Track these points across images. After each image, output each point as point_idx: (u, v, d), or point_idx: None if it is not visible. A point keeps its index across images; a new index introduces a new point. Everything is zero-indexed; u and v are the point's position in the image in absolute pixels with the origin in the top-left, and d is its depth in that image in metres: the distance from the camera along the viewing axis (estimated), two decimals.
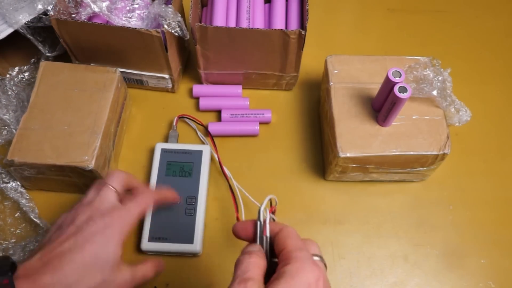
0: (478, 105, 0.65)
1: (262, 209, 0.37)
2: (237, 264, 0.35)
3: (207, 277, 0.56)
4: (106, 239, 0.44)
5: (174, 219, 0.56)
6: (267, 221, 0.37)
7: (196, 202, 0.57)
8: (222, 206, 0.60)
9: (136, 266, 0.47)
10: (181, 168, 0.59)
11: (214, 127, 0.64)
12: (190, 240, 0.55)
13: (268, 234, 0.37)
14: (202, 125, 0.64)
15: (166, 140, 0.64)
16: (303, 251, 0.35)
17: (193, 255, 0.56)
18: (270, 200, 0.39)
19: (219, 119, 0.66)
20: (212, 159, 0.62)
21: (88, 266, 0.42)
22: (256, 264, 0.34)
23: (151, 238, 0.55)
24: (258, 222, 0.37)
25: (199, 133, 0.64)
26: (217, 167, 0.62)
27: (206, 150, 0.60)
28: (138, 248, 0.56)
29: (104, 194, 0.47)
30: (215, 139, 0.63)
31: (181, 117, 0.65)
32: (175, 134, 0.63)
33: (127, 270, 0.46)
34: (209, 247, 0.58)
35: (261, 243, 0.37)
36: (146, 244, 0.55)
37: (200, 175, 0.59)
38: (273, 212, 0.40)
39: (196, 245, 0.55)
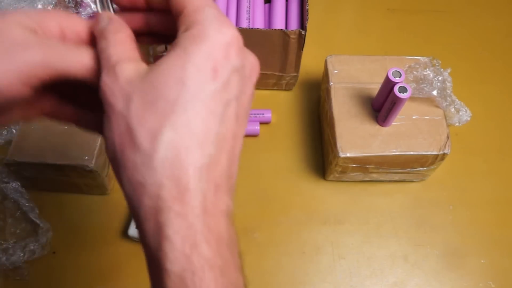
0: (478, 105, 0.65)
1: None
2: (100, 52, 0.26)
3: None
4: None
5: None
6: None
7: None
8: None
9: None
10: None
11: None
12: None
13: None
14: None
15: None
16: (208, 9, 0.25)
17: None
18: None
19: None
20: None
21: None
22: (117, 41, 0.26)
23: None
24: None
25: None
26: None
27: None
28: (125, 234, 0.57)
29: None
30: None
31: None
32: None
33: None
34: None
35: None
36: (133, 231, 0.56)
37: None
38: None
39: None
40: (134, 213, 0.24)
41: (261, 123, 0.65)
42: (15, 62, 0.25)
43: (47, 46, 0.26)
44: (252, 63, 0.27)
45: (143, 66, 0.25)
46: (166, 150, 0.22)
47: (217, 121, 0.24)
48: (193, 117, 0.23)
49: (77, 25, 0.28)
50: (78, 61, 0.26)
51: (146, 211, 0.23)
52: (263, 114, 0.64)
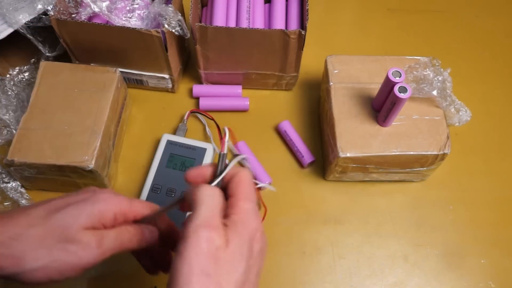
0: (478, 105, 0.65)
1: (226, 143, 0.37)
2: (197, 200, 0.34)
3: None
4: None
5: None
6: (230, 164, 0.37)
7: None
8: None
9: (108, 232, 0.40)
10: (182, 163, 0.59)
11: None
12: None
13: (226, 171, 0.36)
14: (213, 119, 0.64)
15: (173, 133, 0.64)
16: (249, 203, 0.35)
17: None
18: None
19: (219, 119, 0.66)
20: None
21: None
22: (219, 205, 0.35)
23: None
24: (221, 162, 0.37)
25: (207, 129, 0.65)
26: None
27: (210, 149, 0.60)
28: None
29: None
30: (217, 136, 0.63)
31: (193, 112, 0.66)
32: (184, 127, 0.64)
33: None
34: None
35: (216, 184, 0.36)
36: None
37: None
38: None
39: None
40: None
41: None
42: (76, 262, 0.37)
43: (102, 247, 0.38)
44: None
45: None
46: None
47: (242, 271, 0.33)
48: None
49: (125, 209, 0.40)
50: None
51: None
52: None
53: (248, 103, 0.66)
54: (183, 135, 0.63)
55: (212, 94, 0.67)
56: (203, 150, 0.60)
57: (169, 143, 0.60)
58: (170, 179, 0.58)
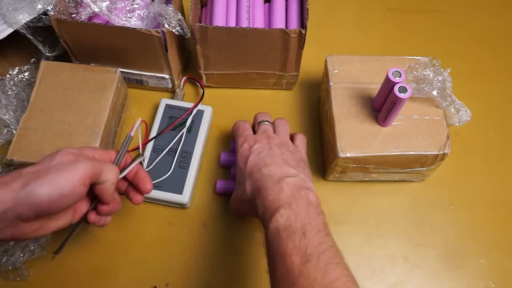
0: (478, 105, 0.65)
1: None
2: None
3: (207, 277, 0.56)
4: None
5: (167, 170, 0.59)
6: None
7: (190, 157, 0.59)
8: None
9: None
10: (181, 124, 0.61)
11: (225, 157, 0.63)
12: (179, 191, 0.57)
13: None
14: (203, 88, 0.66)
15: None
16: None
17: (181, 205, 0.58)
18: None
19: (220, 120, 0.66)
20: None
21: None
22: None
23: None
24: None
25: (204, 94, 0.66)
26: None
27: (208, 111, 0.63)
28: None
29: None
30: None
31: (189, 78, 0.68)
32: (181, 92, 0.66)
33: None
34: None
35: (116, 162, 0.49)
36: None
37: (199, 133, 0.61)
38: None
39: (185, 196, 0.57)
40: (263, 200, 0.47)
41: None
42: (75, 172, 0.42)
43: (92, 161, 0.44)
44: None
45: None
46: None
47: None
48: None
49: (103, 154, 0.48)
50: (111, 170, 0.45)
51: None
52: None
53: None
54: (181, 99, 0.65)
55: None
56: (201, 112, 0.62)
57: (168, 106, 0.63)
58: (170, 140, 0.60)
